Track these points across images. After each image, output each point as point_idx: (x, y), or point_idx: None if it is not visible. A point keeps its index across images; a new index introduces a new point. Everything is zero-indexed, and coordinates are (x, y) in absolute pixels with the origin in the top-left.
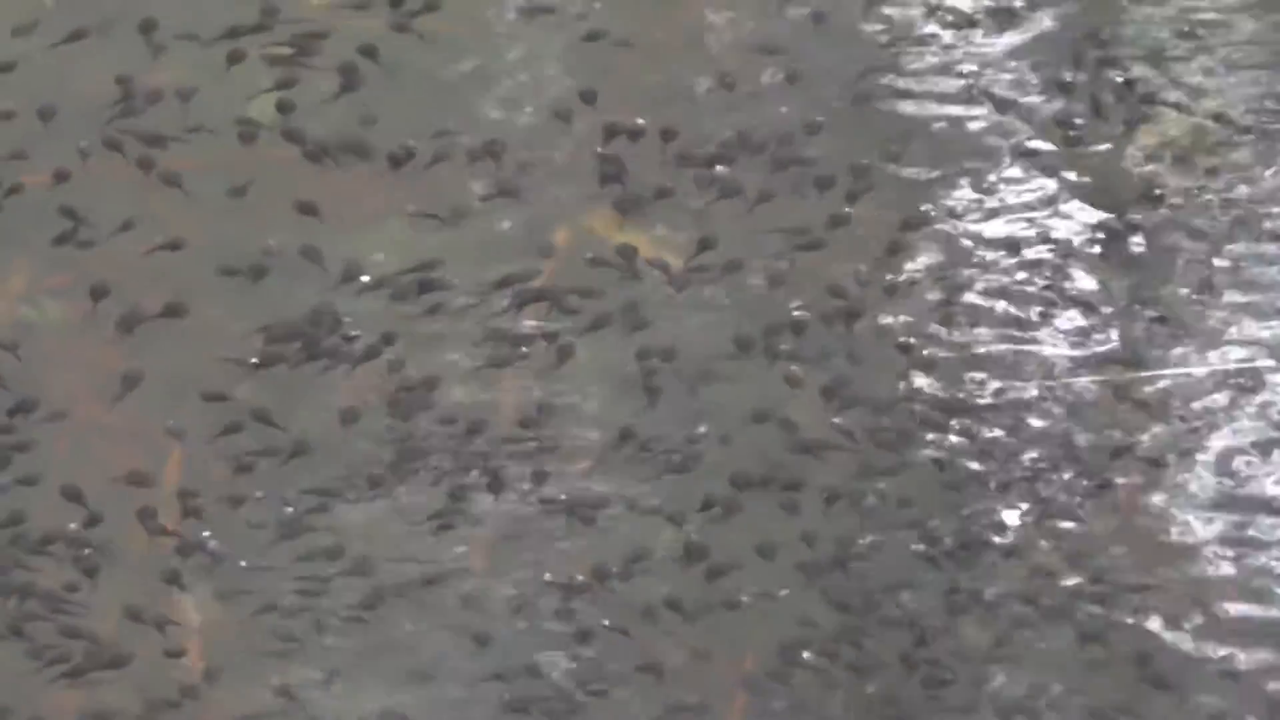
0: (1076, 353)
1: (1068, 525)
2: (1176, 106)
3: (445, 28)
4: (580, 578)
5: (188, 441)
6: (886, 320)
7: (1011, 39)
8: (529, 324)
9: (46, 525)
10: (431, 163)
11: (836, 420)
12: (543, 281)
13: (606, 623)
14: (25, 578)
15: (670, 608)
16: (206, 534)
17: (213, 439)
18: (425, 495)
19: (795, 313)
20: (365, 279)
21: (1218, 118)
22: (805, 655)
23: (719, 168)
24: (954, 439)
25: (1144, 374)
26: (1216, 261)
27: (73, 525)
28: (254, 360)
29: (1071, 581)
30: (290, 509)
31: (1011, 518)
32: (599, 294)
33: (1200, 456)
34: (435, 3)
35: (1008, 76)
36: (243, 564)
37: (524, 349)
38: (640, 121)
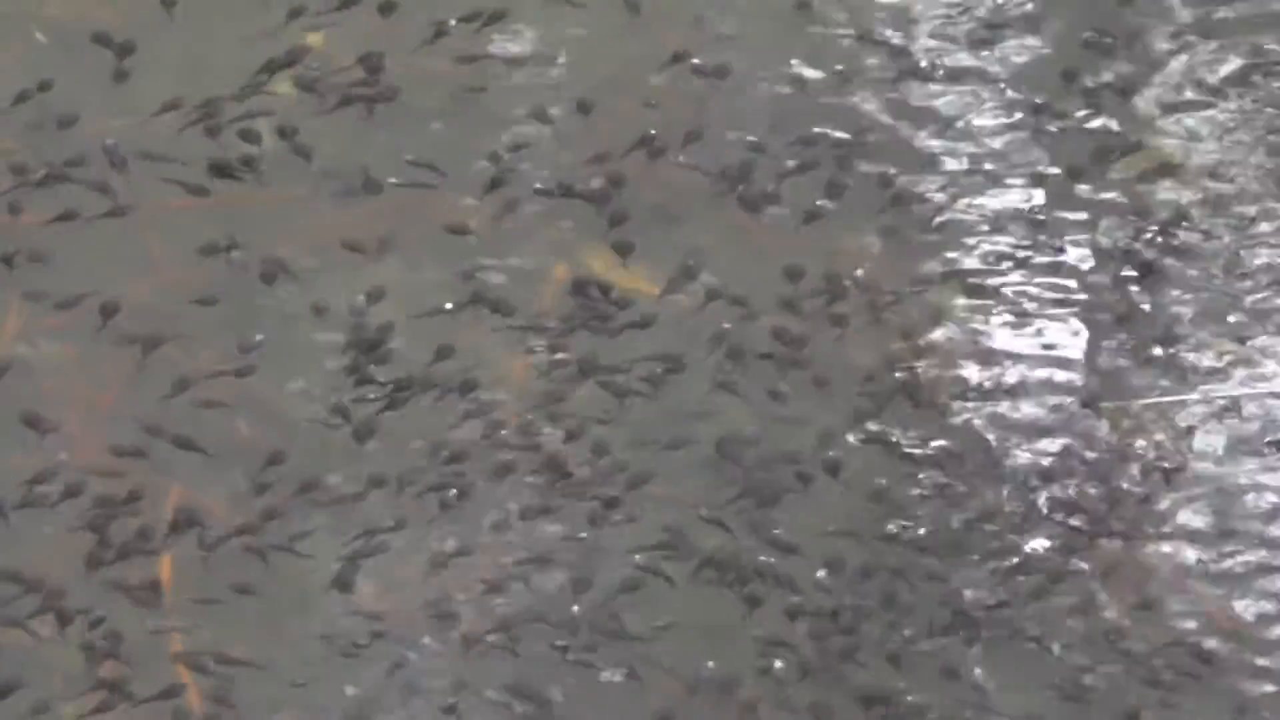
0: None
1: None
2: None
3: (443, 66)
4: (577, 608)
5: (188, 480)
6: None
7: (1030, 55)
8: (533, 358)
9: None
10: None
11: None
12: (543, 314)
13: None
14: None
15: (669, 634)
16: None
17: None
18: (427, 529)
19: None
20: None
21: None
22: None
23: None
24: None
25: (1168, 400)
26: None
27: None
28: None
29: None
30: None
31: (1029, 547)
32: (596, 325)
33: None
34: (436, 36)
35: (1031, 98)
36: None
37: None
38: (653, 132)
